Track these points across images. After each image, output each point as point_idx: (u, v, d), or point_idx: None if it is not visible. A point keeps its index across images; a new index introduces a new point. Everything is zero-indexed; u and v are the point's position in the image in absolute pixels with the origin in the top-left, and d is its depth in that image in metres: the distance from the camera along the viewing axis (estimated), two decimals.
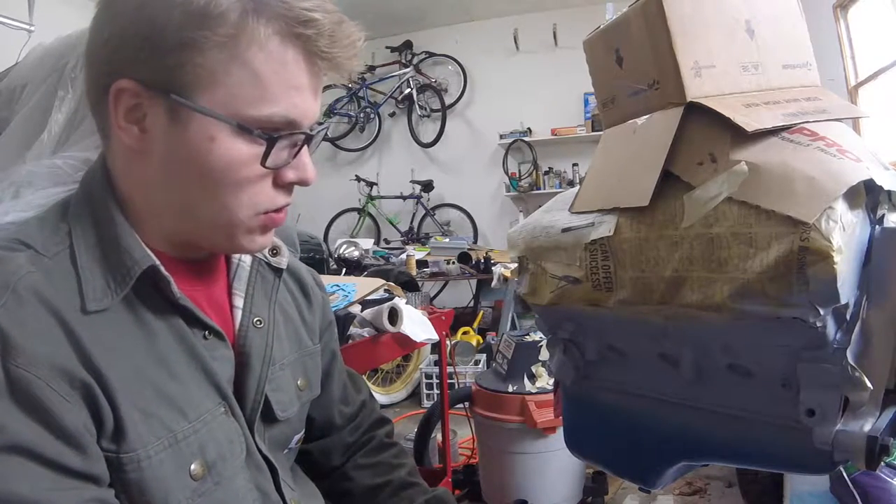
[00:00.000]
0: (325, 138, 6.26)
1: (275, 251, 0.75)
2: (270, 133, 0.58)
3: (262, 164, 0.58)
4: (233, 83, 0.56)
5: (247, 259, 0.73)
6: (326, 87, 5.79)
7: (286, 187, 0.63)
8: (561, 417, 0.89)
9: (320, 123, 0.64)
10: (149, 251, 0.60)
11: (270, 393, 0.70)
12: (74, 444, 0.51)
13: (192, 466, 0.58)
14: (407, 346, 1.67)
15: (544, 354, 2.16)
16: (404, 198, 5.78)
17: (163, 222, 0.62)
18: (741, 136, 0.63)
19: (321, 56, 0.58)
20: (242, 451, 0.65)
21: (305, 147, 0.62)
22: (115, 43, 0.57)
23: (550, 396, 1.99)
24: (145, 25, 0.55)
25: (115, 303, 0.57)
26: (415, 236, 5.67)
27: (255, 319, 0.70)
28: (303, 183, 0.63)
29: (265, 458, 0.69)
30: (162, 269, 0.60)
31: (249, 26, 0.55)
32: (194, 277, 0.67)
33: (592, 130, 5.20)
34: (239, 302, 0.70)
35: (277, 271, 0.75)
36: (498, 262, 4.04)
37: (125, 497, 0.55)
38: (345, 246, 3.42)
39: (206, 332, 0.64)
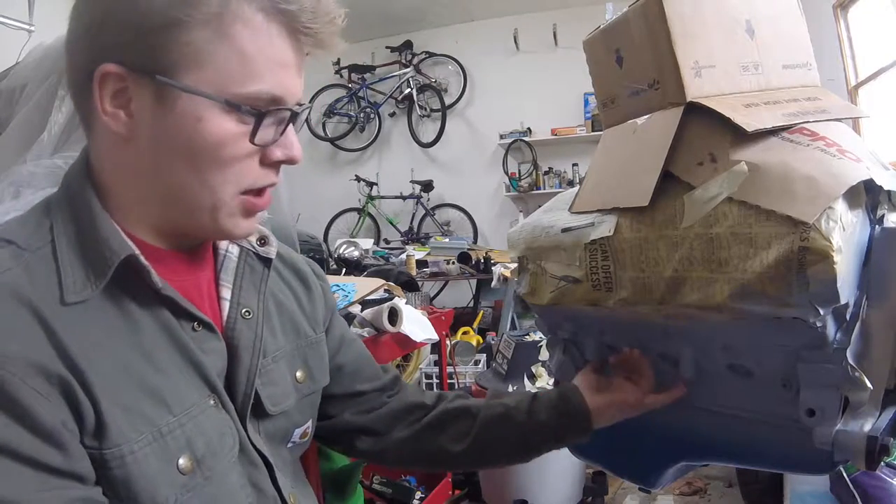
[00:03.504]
0: (325, 138, 6.17)
1: (262, 241, 0.74)
2: (258, 110, 0.58)
3: (251, 140, 0.58)
4: (219, 61, 0.56)
5: (234, 250, 0.72)
6: (327, 87, 5.79)
7: (273, 166, 0.63)
8: None
9: (301, 105, 0.64)
10: (128, 241, 0.59)
11: (261, 387, 0.68)
12: (54, 443, 0.50)
13: (180, 461, 0.58)
14: (407, 346, 1.67)
15: (544, 354, 2.16)
16: (404, 198, 5.77)
17: (149, 210, 0.61)
18: (741, 136, 0.63)
19: (304, 32, 0.59)
20: (235, 446, 0.64)
21: (291, 125, 0.62)
22: (97, 27, 0.56)
23: None
24: (129, 7, 0.54)
25: (95, 294, 0.56)
26: (415, 236, 5.66)
27: (244, 310, 0.69)
28: (290, 161, 0.63)
29: (260, 453, 0.67)
30: (141, 258, 0.59)
31: (233, 3, 0.55)
32: (183, 268, 0.66)
33: (592, 130, 5.19)
34: (226, 293, 0.69)
35: (266, 261, 0.74)
36: (498, 262, 4.03)
37: (112, 494, 0.54)
38: (345, 246, 3.41)
39: (196, 324, 0.63)
